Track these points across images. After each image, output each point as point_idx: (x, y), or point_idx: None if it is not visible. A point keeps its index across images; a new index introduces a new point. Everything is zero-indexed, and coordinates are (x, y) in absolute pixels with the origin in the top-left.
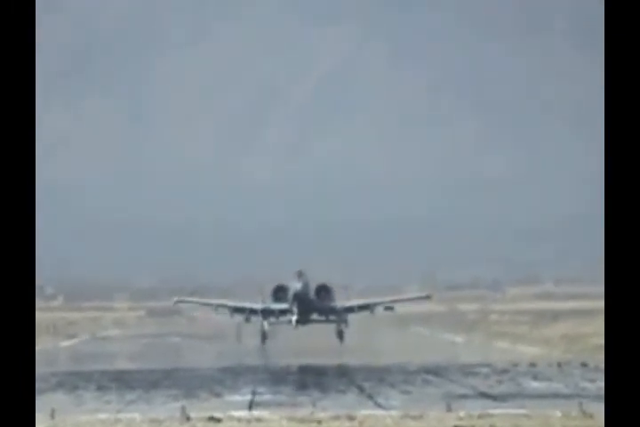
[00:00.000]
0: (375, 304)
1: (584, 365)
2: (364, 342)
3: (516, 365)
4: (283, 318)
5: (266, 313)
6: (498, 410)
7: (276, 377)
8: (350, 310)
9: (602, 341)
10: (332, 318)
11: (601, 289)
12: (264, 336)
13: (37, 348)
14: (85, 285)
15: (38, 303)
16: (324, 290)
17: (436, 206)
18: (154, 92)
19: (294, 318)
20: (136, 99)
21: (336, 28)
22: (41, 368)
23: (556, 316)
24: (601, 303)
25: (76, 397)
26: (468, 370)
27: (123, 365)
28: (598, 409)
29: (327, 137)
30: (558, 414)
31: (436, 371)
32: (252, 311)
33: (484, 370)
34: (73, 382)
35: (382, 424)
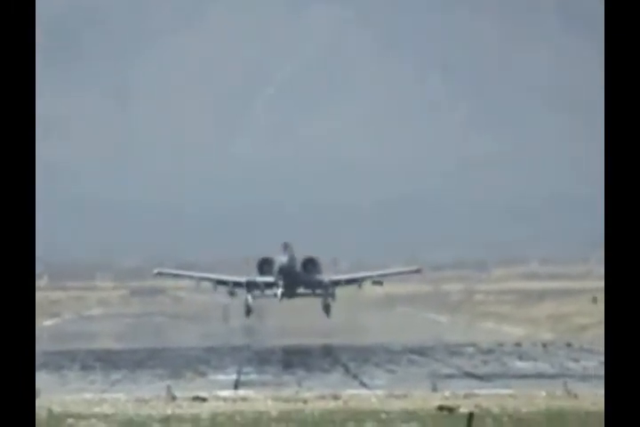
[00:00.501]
0: (363, 278)
1: (569, 345)
2: (350, 322)
3: (501, 345)
4: (268, 292)
5: (250, 286)
6: (483, 390)
7: (262, 357)
8: (337, 283)
9: (586, 320)
10: (318, 291)
11: (585, 269)
12: (248, 309)
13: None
14: (69, 264)
15: None
16: (310, 263)
17: (419, 187)
18: (142, 73)
19: (279, 291)
20: (123, 80)
21: (325, 10)
22: None
23: (540, 296)
24: (585, 283)
25: (60, 376)
26: (453, 350)
27: (107, 344)
28: (583, 389)
29: (315, 119)
30: (543, 393)
31: (421, 351)
32: (237, 284)
33: (470, 350)
34: (57, 361)
35: (367, 404)
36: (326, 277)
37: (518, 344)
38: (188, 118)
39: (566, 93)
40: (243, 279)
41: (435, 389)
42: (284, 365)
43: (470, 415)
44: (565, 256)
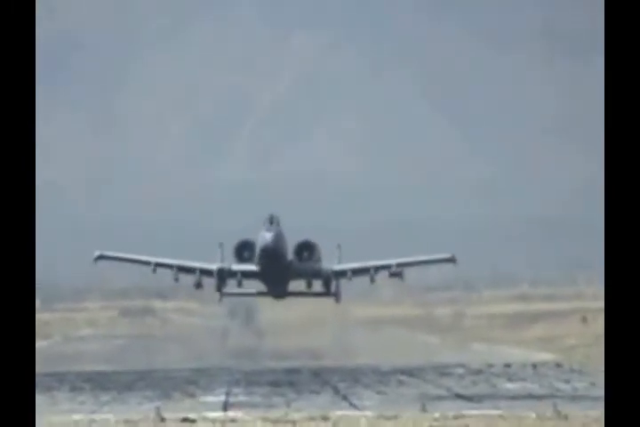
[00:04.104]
0: (377, 268)
1: (559, 365)
2: (338, 342)
3: (490, 365)
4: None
5: (223, 275)
6: (473, 411)
7: (250, 378)
8: (342, 274)
9: (576, 341)
10: (317, 281)
11: (575, 290)
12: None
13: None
14: (58, 285)
15: None
16: (306, 249)
17: (409, 210)
18: (125, 97)
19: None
20: (108, 106)
21: (310, 32)
22: None
23: (531, 317)
24: (574, 304)
25: (50, 397)
26: (442, 371)
27: (97, 366)
28: (572, 410)
29: (302, 142)
30: (533, 415)
31: (410, 372)
32: (205, 273)
33: (459, 371)
34: (47, 382)
35: (357, 425)
36: (327, 265)
37: (508, 365)
38: (174, 142)
39: (566, 119)
40: (213, 266)
41: (424, 410)
42: (272, 385)
43: None
44: (555, 278)
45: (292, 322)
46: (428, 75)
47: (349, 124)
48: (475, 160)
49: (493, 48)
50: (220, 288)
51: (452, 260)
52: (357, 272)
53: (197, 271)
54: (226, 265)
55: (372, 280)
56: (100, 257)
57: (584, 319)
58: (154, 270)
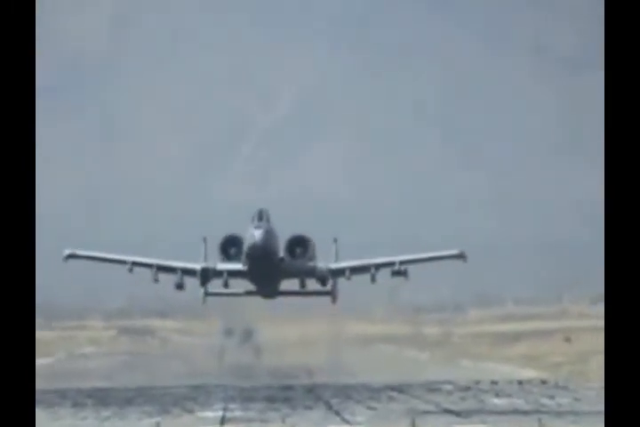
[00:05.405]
0: (379, 266)
1: (544, 382)
2: (330, 360)
3: (478, 382)
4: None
5: (207, 275)
6: (461, 426)
7: (247, 394)
8: (339, 273)
9: (560, 359)
10: (311, 279)
11: (560, 309)
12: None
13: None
14: (58, 305)
15: None
16: (299, 244)
17: (401, 229)
18: (124, 116)
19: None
20: (104, 124)
21: (307, 48)
22: None
23: (516, 336)
24: (559, 323)
25: (52, 413)
26: (432, 387)
27: (98, 382)
28: (557, 425)
29: (299, 162)
30: None
31: (400, 388)
32: (187, 272)
33: (448, 387)
34: (50, 399)
35: None
36: (323, 263)
37: (495, 382)
38: (172, 162)
39: (563, 135)
40: (197, 266)
41: (414, 425)
42: (268, 401)
43: None
44: (539, 297)
45: (287, 340)
46: (427, 88)
47: (348, 139)
48: (465, 178)
49: (494, 58)
50: (204, 289)
51: (460, 256)
52: (357, 270)
53: (179, 271)
54: (210, 264)
55: (373, 280)
56: (71, 256)
57: (567, 339)
58: (130, 270)
